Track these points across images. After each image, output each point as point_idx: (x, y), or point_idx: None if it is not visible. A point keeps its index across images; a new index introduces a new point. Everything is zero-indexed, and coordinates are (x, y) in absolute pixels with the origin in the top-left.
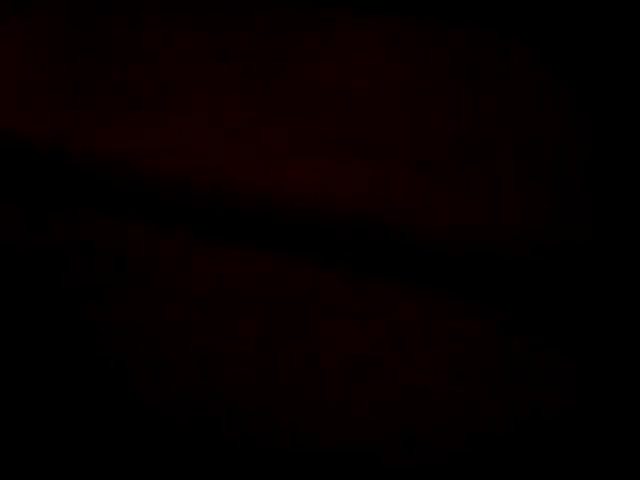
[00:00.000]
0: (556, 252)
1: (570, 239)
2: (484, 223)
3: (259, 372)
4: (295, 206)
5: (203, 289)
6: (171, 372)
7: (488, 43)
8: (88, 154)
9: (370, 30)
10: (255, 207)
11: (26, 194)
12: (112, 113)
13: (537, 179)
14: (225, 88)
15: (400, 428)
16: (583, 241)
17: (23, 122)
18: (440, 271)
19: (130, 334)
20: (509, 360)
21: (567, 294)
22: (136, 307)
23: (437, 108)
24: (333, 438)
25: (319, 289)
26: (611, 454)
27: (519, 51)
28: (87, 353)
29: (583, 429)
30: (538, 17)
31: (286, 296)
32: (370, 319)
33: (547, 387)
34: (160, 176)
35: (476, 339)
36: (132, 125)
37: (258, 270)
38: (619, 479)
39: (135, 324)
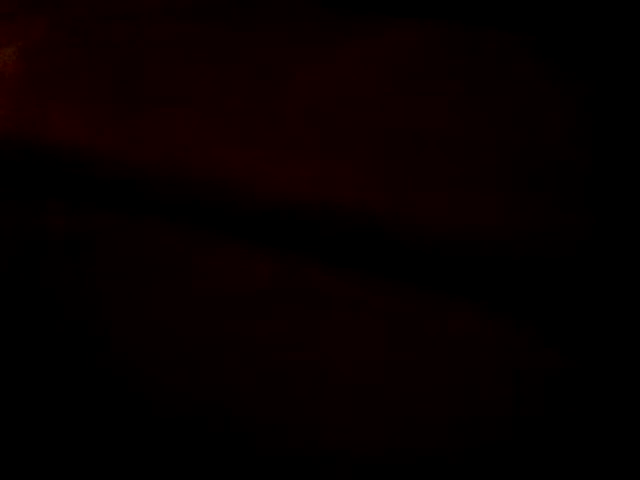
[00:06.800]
0: (556, 251)
1: (570, 239)
2: (484, 223)
3: (258, 375)
4: (296, 206)
5: (203, 288)
6: (168, 373)
7: (488, 42)
8: (89, 151)
9: (371, 33)
10: (256, 206)
11: (25, 185)
12: (112, 112)
13: (537, 179)
14: (227, 89)
15: (402, 431)
16: (583, 241)
17: (17, 120)
18: (441, 271)
19: (128, 332)
20: (508, 360)
21: (568, 293)
22: (133, 304)
23: (437, 109)
24: (333, 443)
25: (319, 289)
26: (613, 453)
27: (520, 51)
28: (83, 350)
29: (584, 428)
30: (540, 15)
31: (286, 295)
32: (370, 320)
33: (548, 387)
34: (161, 175)
35: (476, 338)
36: (133, 124)
37: (258, 269)
38: (621, 478)
39: (133, 322)
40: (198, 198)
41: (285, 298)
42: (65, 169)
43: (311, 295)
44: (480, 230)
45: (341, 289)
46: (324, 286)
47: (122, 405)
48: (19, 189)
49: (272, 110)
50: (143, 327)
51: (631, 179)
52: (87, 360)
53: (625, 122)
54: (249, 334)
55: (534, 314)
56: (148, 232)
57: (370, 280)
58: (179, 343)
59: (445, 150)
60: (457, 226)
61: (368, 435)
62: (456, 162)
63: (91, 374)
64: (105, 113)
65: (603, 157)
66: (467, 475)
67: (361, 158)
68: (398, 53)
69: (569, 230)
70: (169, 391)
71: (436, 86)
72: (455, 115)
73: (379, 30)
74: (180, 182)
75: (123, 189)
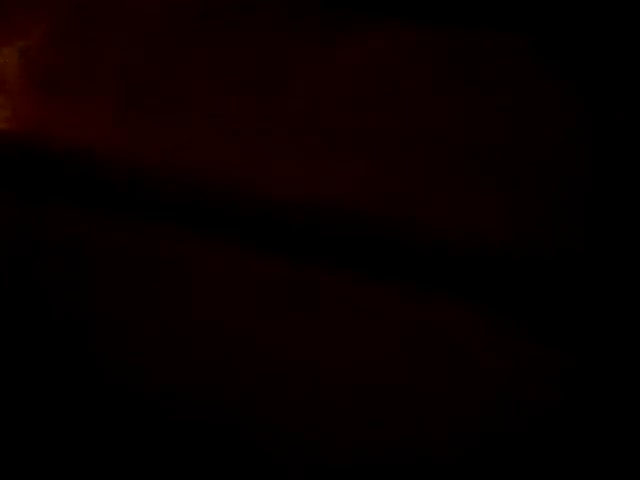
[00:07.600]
0: (556, 251)
1: (570, 238)
2: (483, 223)
3: (258, 375)
4: (296, 206)
5: (203, 288)
6: (168, 373)
7: (488, 42)
8: (89, 151)
9: (371, 33)
10: (256, 206)
11: (25, 184)
12: (112, 112)
13: (537, 179)
14: (227, 89)
15: (402, 431)
16: (583, 240)
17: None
18: (441, 271)
19: (128, 332)
20: (508, 360)
21: (568, 293)
22: (133, 305)
23: (437, 109)
24: (333, 443)
25: (320, 289)
26: (613, 453)
27: (520, 51)
28: (83, 350)
29: (584, 428)
30: (539, 15)
31: (286, 295)
32: (370, 320)
33: (548, 387)
34: (161, 175)
35: (476, 338)
36: (133, 124)
37: (258, 269)
38: (620, 478)
39: (133, 322)
40: (198, 198)
41: (285, 298)
42: (65, 169)
43: (311, 295)
44: (480, 230)
45: (341, 289)
46: (325, 286)
47: (122, 405)
48: (19, 189)
49: (272, 110)
50: (143, 327)
51: (631, 179)
52: (86, 360)
53: (625, 122)
54: (249, 334)
55: (534, 314)
56: (148, 232)
57: (370, 280)
58: (179, 343)
59: (445, 150)
60: (457, 226)
61: (368, 435)
62: (456, 162)
63: (90, 374)
64: (105, 113)
65: (603, 157)
66: (467, 475)
67: (361, 158)
68: (398, 53)
69: (569, 230)
70: (169, 391)
71: (436, 86)
72: (455, 115)
73: (379, 30)
74: (180, 182)
75: (123, 189)
